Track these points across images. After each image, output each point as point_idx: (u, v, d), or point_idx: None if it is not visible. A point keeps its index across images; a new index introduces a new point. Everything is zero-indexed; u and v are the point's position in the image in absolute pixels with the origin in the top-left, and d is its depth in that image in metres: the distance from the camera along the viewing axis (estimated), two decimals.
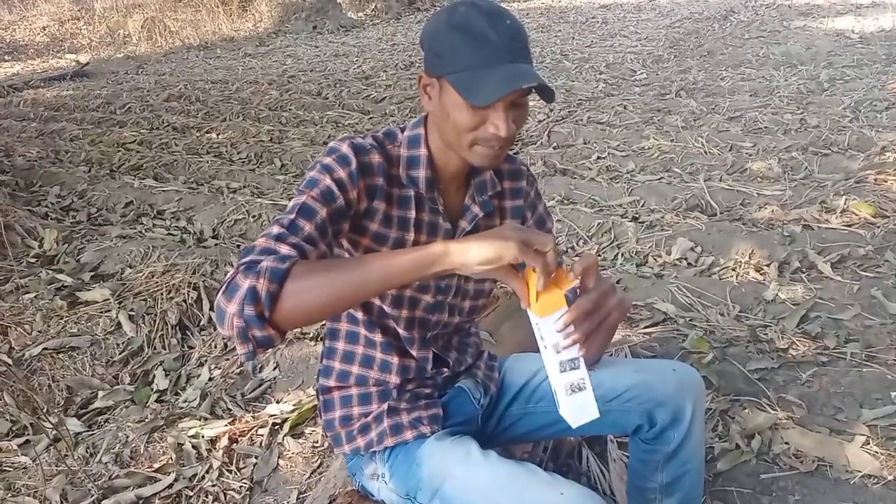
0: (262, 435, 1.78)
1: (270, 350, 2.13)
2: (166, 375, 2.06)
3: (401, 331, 1.05)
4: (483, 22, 0.83)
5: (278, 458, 1.71)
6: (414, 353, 1.07)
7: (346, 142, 0.93)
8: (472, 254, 0.76)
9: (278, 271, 0.75)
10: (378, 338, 1.05)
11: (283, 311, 0.76)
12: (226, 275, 0.79)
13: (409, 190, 0.98)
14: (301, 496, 1.59)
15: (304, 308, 0.76)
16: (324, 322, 1.51)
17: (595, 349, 0.83)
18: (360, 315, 1.05)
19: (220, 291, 0.78)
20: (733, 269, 2.38)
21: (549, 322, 0.81)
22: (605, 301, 0.82)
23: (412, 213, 0.98)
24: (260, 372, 1.95)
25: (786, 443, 1.58)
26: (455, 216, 1.02)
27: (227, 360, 2.13)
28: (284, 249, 0.81)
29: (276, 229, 0.84)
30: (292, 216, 0.85)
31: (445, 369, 1.11)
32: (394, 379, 1.07)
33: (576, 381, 0.83)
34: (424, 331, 1.07)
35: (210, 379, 2.04)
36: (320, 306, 0.77)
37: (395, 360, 1.06)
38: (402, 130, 1.00)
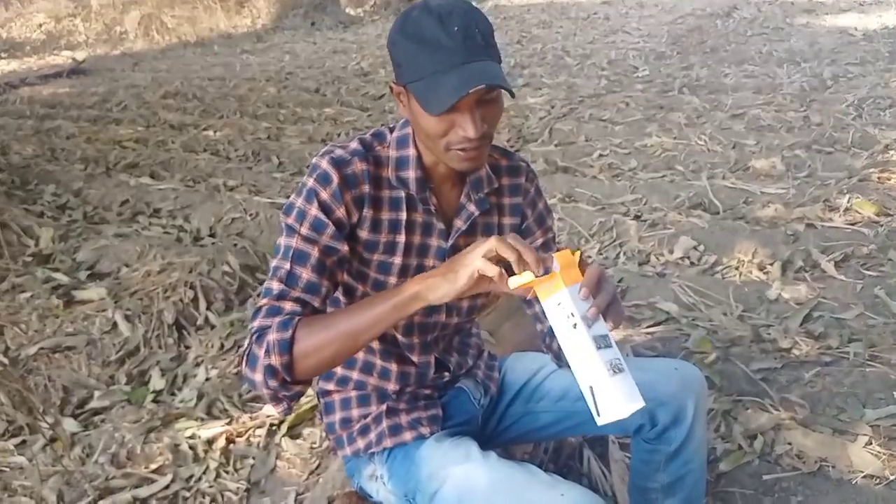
0: (259, 436, 1.77)
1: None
2: (162, 375, 2.05)
3: (400, 337, 1.03)
4: (434, 26, 0.82)
5: (276, 459, 1.70)
6: (415, 359, 1.05)
7: (326, 157, 0.92)
8: (438, 293, 0.81)
9: (284, 343, 0.83)
10: (376, 344, 1.04)
11: (301, 372, 0.86)
12: (245, 340, 0.87)
13: (400, 191, 0.96)
14: (299, 497, 1.58)
15: (318, 365, 0.86)
16: None
17: (614, 323, 0.82)
18: None
19: (244, 361, 0.87)
20: (736, 268, 2.37)
21: (574, 292, 0.77)
22: (606, 273, 0.83)
23: (403, 215, 0.97)
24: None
25: (788, 443, 1.57)
26: (450, 215, 1.01)
27: (224, 360, 2.12)
28: (288, 306, 0.88)
29: (276, 286, 0.89)
30: (287, 265, 0.89)
31: (446, 373, 1.10)
32: (392, 386, 1.06)
33: (613, 359, 0.76)
34: (424, 335, 1.05)
35: (207, 379, 2.02)
36: (331, 359, 0.86)
37: (393, 367, 1.05)
38: (392, 131, 0.99)
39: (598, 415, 0.76)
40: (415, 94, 0.85)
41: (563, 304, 0.77)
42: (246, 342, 0.87)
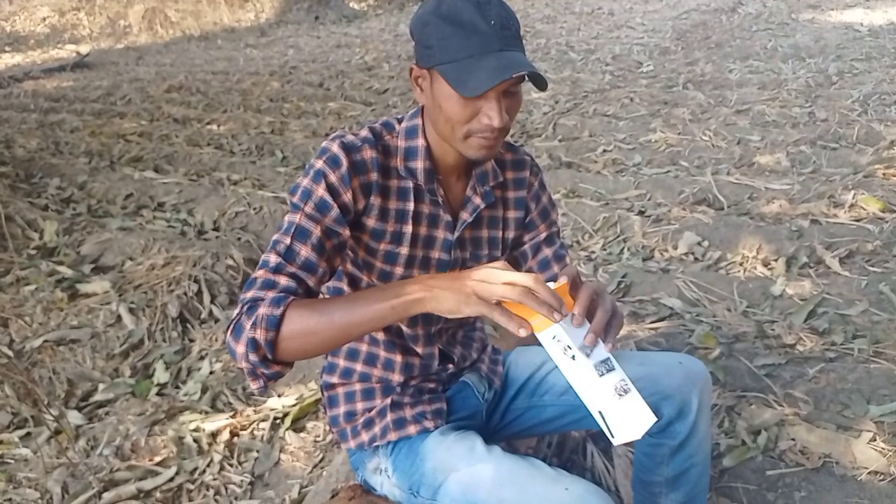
0: (263, 429, 1.77)
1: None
2: (167, 368, 2.05)
3: (404, 328, 1.04)
4: (472, 11, 0.83)
5: (280, 452, 1.70)
6: (419, 350, 1.06)
7: (336, 141, 0.92)
8: (443, 307, 0.78)
9: (273, 319, 0.81)
10: (381, 336, 1.04)
11: (284, 352, 0.83)
12: (235, 310, 0.87)
13: (409, 181, 0.96)
14: (303, 490, 1.58)
15: (303, 349, 0.83)
16: None
17: (613, 341, 0.80)
18: None
19: (229, 330, 0.84)
20: (740, 264, 2.36)
21: (568, 323, 0.76)
22: (601, 288, 0.82)
23: (411, 205, 0.97)
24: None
25: (792, 439, 1.57)
26: (456, 207, 1.01)
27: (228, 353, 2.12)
28: (283, 281, 0.85)
29: (273, 259, 0.87)
30: (287, 240, 0.88)
31: (450, 365, 1.10)
32: (396, 377, 1.06)
33: (618, 382, 0.77)
34: (428, 326, 1.05)
35: (211, 372, 2.03)
36: (318, 346, 0.84)
37: (398, 357, 1.05)
38: (400, 121, 0.99)
39: (612, 437, 0.77)
40: (445, 76, 0.84)
41: (558, 338, 0.76)
42: (236, 311, 0.85)
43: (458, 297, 0.77)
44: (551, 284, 0.78)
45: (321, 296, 0.94)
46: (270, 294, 0.83)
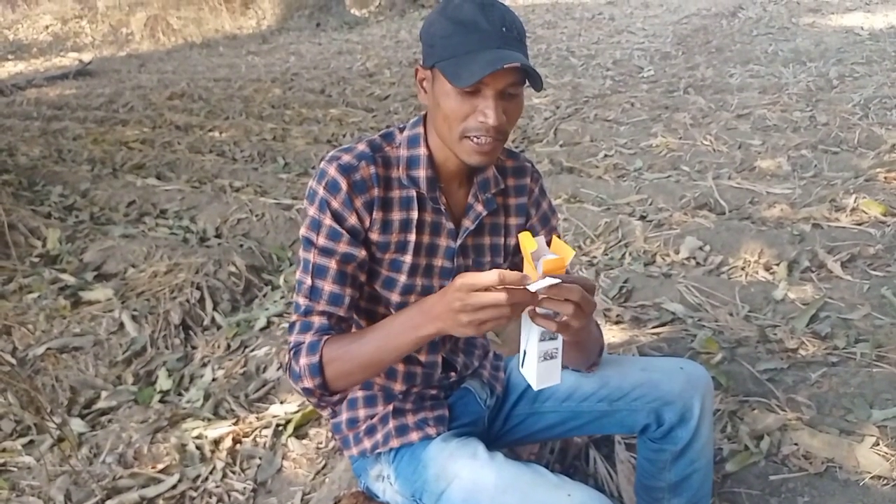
0: (265, 436, 1.77)
1: (275, 350, 2.12)
2: (169, 376, 2.05)
3: None
4: (475, 11, 0.85)
5: (282, 459, 1.70)
6: (422, 358, 1.06)
7: (333, 163, 0.93)
8: (455, 333, 0.82)
9: (314, 367, 0.90)
10: None
11: (336, 388, 0.93)
12: (285, 355, 1.01)
13: (411, 190, 0.97)
14: (305, 497, 1.58)
15: (350, 383, 0.93)
16: None
17: (576, 328, 0.82)
18: (364, 322, 1.05)
19: (287, 373, 0.95)
20: (742, 269, 2.36)
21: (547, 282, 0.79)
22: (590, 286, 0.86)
23: (414, 214, 0.98)
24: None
25: (795, 444, 1.56)
26: (458, 215, 1.02)
27: (230, 360, 2.12)
28: (316, 321, 0.94)
29: (302, 301, 0.95)
30: (309, 280, 0.94)
31: (453, 374, 1.11)
32: (398, 386, 1.06)
33: (551, 349, 0.86)
34: None
35: (213, 379, 2.03)
36: (361, 379, 0.93)
37: (400, 367, 1.05)
38: (402, 131, 1.00)
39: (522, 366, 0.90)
40: (443, 71, 0.86)
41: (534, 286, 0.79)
42: (286, 357, 0.94)
43: (463, 330, 0.80)
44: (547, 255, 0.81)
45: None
46: (307, 338, 0.92)
